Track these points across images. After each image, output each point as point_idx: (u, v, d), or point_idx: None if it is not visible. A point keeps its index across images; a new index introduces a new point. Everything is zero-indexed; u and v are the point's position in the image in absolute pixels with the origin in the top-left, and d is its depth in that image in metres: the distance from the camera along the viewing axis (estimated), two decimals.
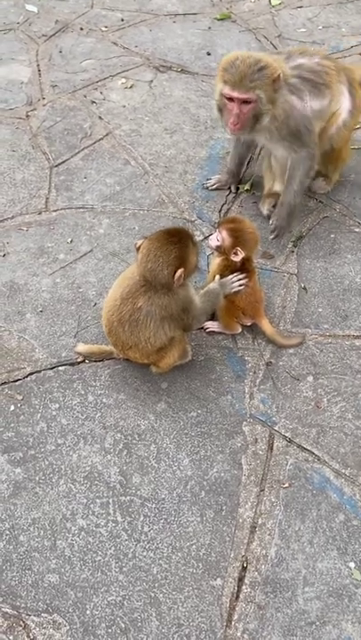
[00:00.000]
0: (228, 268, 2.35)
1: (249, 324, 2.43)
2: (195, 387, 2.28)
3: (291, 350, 2.39)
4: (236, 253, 2.29)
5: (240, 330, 2.43)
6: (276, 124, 2.43)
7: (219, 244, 2.33)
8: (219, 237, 2.32)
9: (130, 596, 1.80)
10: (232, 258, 2.31)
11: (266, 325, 2.40)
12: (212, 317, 2.45)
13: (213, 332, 2.45)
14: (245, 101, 2.33)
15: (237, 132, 2.43)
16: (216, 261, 2.41)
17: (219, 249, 2.35)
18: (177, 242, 1.99)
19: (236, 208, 2.95)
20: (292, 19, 4.18)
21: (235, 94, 2.32)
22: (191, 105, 3.51)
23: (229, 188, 3.01)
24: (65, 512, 1.94)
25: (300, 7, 4.30)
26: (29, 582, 1.82)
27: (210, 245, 2.39)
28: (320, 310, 2.54)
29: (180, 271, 1.96)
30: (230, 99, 2.34)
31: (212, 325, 2.44)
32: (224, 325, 2.43)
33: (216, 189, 3.00)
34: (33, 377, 2.28)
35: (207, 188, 3.01)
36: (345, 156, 2.85)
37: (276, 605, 1.79)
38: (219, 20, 4.16)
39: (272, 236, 2.72)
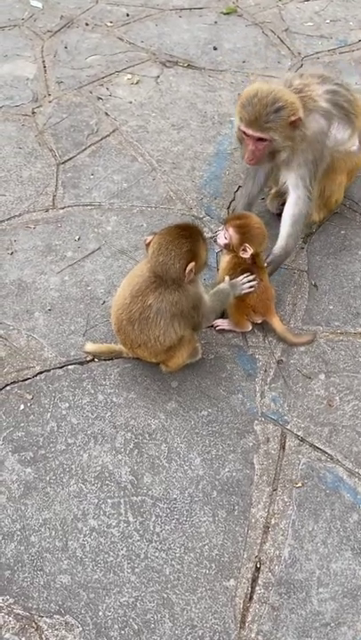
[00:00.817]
0: (238, 266, 2.33)
1: (259, 321, 2.40)
2: (205, 385, 2.26)
3: (302, 348, 2.37)
4: (244, 250, 2.27)
5: (250, 327, 2.41)
6: (300, 153, 2.36)
7: (227, 241, 2.31)
8: (226, 235, 2.30)
9: (142, 597, 1.78)
10: (241, 254, 2.28)
11: (276, 323, 2.37)
12: (223, 315, 2.43)
13: (223, 329, 2.42)
14: (260, 139, 2.28)
15: (253, 165, 2.39)
16: (225, 259, 2.39)
17: (227, 247, 2.32)
18: (188, 236, 1.99)
19: None
20: (299, 12, 4.14)
21: (249, 132, 2.27)
22: (198, 100, 3.47)
23: None
24: (76, 512, 1.93)
25: (307, 0, 4.25)
26: (41, 583, 1.81)
27: (218, 243, 2.37)
28: (331, 308, 2.51)
29: (191, 265, 1.95)
30: (246, 134, 2.30)
31: (222, 323, 2.42)
32: (234, 323, 2.40)
33: None
34: (42, 376, 2.26)
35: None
36: (334, 202, 2.71)
37: (291, 606, 1.77)
38: (225, 14, 4.12)
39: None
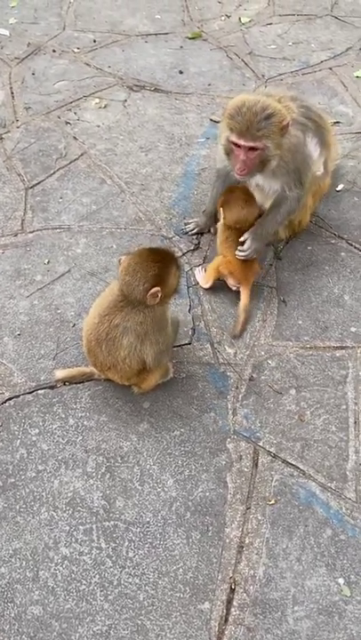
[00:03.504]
0: (230, 237, 2.58)
1: (234, 288, 2.59)
2: (177, 405, 2.26)
3: (273, 364, 2.39)
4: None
5: (208, 286, 2.62)
6: (283, 163, 2.41)
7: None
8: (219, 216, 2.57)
9: (116, 625, 1.75)
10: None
11: (244, 296, 2.53)
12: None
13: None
14: (252, 149, 2.30)
15: (244, 177, 2.41)
16: (222, 238, 2.62)
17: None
18: (159, 260, 1.97)
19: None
20: (262, 36, 4.25)
21: (241, 142, 2.28)
22: (165, 123, 3.53)
23: (209, 230, 2.88)
24: (47, 541, 1.89)
25: (270, 24, 4.37)
26: (12, 615, 1.76)
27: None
28: (300, 322, 2.54)
29: (155, 289, 1.94)
30: (237, 145, 2.32)
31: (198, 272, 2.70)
32: (205, 275, 2.63)
33: (196, 234, 2.88)
34: (12, 402, 2.23)
35: (187, 233, 2.88)
36: (298, 224, 2.76)
37: (266, 627, 1.75)
38: (190, 38, 4.21)
39: (242, 254, 2.54)
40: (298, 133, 2.43)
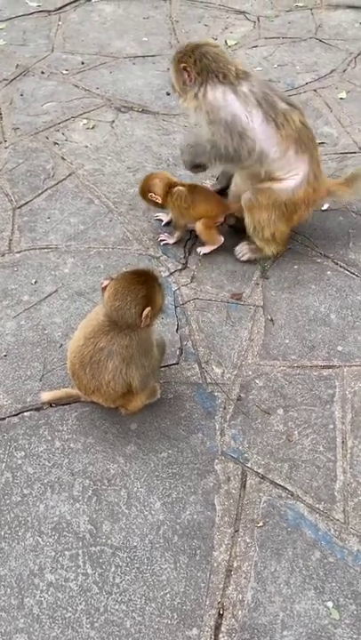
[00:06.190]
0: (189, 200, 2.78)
1: (230, 222, 2.85)
2: (165, 426, 2.24)
3: (260, 383, 2.39)
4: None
5: (222, 240, 2.83)
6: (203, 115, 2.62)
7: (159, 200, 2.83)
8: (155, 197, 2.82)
9: None
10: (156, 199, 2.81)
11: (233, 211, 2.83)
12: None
13: (206, 253, 2.88)
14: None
15: None
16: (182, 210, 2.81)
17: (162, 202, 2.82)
18: (144, 282, 1.97)
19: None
20: (248, 58, 4.32)
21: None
22: (153, 143, 3.56)
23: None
24: (32, 567, 1.86)
25: (256, 47, 4.45)
26: None
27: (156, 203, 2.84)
28: (287, 341, 2.55)
29: (147, 310, 1.94)
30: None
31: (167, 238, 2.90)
32: (210, 241, 2.84)
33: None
34: None
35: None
36: (280, 238, 2.76)
37: None
38: None
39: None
40: (219, 87, 2.57)
